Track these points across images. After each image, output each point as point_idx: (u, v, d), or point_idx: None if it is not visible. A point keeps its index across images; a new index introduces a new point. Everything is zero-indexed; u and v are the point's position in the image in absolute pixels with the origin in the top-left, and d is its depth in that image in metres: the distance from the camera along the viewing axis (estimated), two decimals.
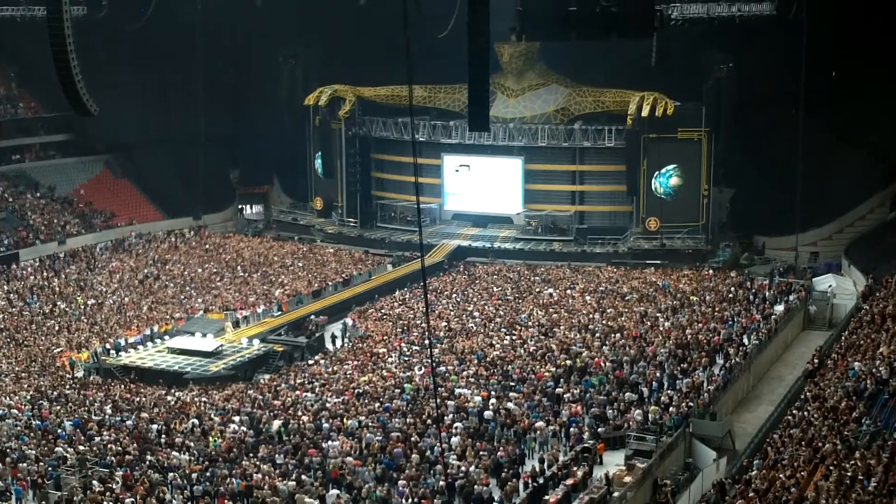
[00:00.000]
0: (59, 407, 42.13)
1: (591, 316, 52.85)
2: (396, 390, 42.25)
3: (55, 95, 50.24)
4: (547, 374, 42.78)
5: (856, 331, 45.44)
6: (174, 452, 36.46)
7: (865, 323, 46.20)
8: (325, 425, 38.43)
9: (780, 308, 53.03)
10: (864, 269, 59.99)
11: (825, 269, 64.69)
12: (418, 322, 53.60)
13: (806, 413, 35.56)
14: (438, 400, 39.24)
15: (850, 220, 69.57)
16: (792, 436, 33.65)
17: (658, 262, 67.52)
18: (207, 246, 74.94)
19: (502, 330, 51.47)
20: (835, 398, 35.64)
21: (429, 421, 37.61)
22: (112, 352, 52.27)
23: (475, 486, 32.27)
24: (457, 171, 77.28)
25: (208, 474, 34.15)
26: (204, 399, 44.37)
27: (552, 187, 75.56)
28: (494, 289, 61.38)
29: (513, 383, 42.05)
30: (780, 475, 29.79)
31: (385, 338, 52.01)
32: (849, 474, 28.03)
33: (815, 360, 42.74)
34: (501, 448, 35.45)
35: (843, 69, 64.70)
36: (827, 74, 64.44)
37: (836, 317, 55.07)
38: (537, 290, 60.73)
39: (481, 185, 76.56)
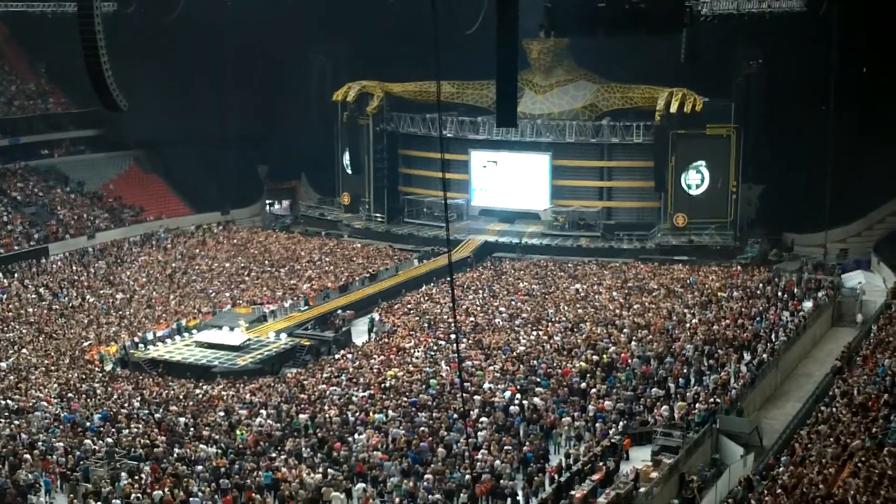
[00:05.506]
0: (87, 400, 42.47)
1: (617, 312, 52.74)
2: (423, 385, 42.34)
3: (85, 91, 50.46)
4: (573, 369, 42.77)
5: (885, 327, 45.14)
6: (202, 445, 36.65)
7: (895, 320, 45.91)
8: (352, 419, 38.58)
9: (808, 304, 52.77)
10: (893, 265, 59.65)
11: (854, 265, 64.23)
12: (445, 317, 53.69)
13: (834, 410, 35.36)
14: (465, 395, 39.28)
15: (880, 217, 69.05)
16: (820, 432, 33.46)
17: (686, 258, 67.19)
18: (235, 241, 75.23)
19: (529, 325, 51.46)
20: (863, 395, 35.42)
21: (455, 415, 37.68)
22: (140, 345, 52.62)
23: (500, 481, 32.35)
24: (484, 166, 77.19)
25: (235, 467, 34.34)
26: (231, 393, 44.62)
27: (580, 183, 75.25)
28: (521, 284, 61.34)
29: (539, 379, 42.05)
30: (808, 472, 29.63)
31: (411, 332, 52.10)
32: (877, 471, 27.85)
33: (844, 357, 42.50)
34: (528, 443, 35.48)
35: (873, 65, 64.17)
36: (857, 70, 63.97)
37: (866, 313, 54.72)
38: (564, 285, 60.64)
39: (509, 181, 76.40)
